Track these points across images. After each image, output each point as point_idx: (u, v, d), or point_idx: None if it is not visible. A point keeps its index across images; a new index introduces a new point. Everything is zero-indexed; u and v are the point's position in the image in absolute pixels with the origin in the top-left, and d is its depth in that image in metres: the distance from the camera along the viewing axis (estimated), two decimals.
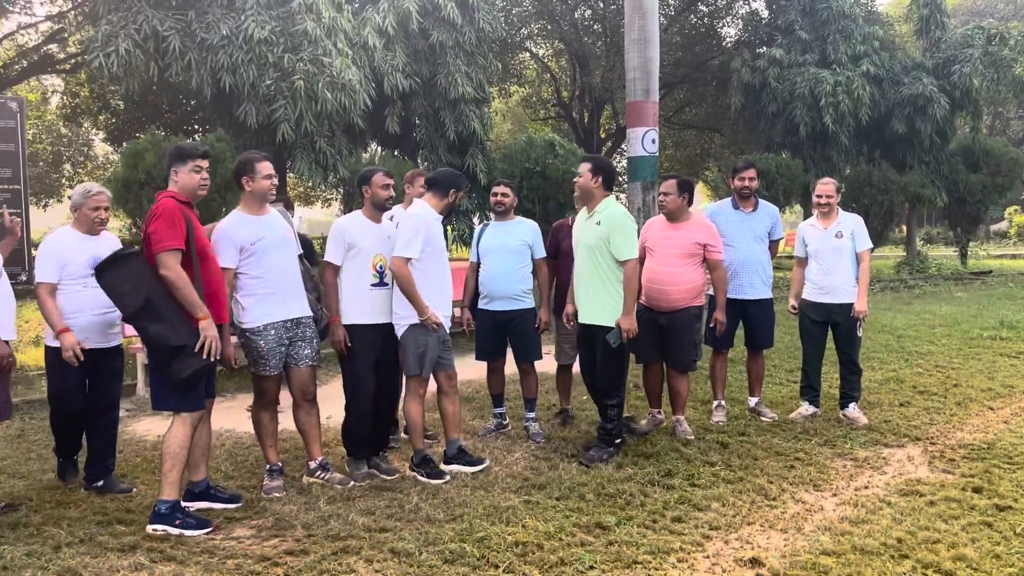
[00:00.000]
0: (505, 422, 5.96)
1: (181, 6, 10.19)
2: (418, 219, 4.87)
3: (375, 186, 4.96)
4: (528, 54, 23.83)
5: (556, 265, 5.98)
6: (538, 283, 5.88)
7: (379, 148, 13.26)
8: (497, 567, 3.68)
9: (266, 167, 4.64)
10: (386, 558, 3.79)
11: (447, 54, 12.04)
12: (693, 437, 5.66)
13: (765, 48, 17.73)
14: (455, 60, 12.05)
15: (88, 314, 4.60)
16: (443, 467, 5.02)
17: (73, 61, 17.21)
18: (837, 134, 16.89)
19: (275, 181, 4.78)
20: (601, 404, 5.29)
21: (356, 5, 11.63)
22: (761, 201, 6.26)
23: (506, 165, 12.91)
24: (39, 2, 17.40)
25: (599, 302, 5.14)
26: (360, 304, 4.93)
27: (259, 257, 4.59)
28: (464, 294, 5.96)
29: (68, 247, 4.60)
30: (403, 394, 5.18)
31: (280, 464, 4.81)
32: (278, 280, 4.67)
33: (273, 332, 4.63)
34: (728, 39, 22.58)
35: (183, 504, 4.28)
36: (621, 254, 5.04)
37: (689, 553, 3.85)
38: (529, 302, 5.72)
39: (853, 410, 6.12)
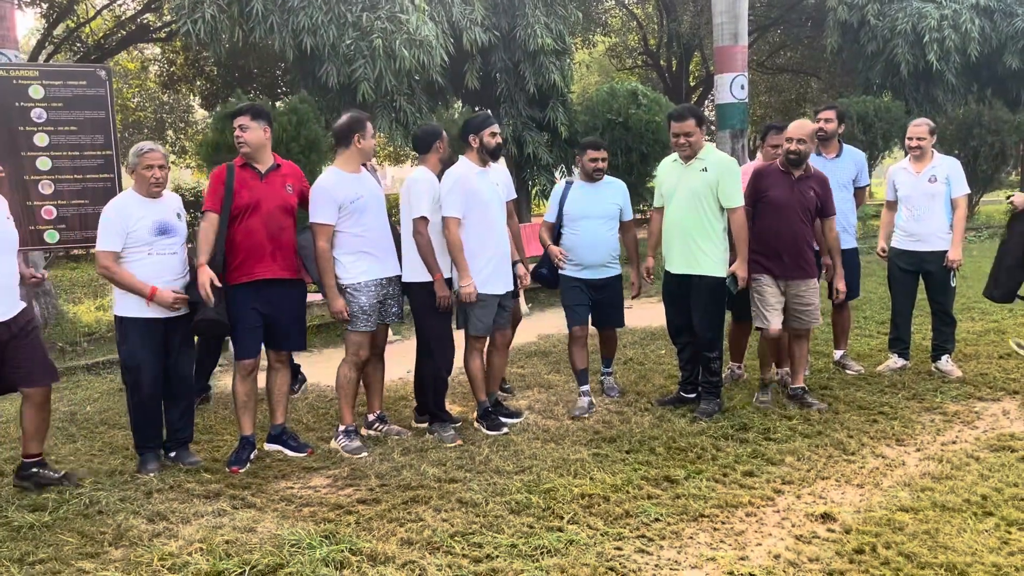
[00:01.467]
0: (594, 402, 5.43)
1: None
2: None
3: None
4: (613, 2, 23.23)
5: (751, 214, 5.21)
6: (626, 245, 5.62)
7: (460, 104, 13.21)
8: (562, 518, 3.71)
9: (371, 127, 4.78)
10: (453, 507, 3.87)
11: (526, 5, 11.86)
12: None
13: None
14: (534, 11, 11.86)
15: (156, 282, 4.37)
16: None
17: (168, 29, 17.77)
18: (942, 72, 15.86)
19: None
20: (704, 357, 5.16)
21: None
22: (846, 146, 5.92)
23: (588, 117, 12.69)
24: None
25: (707, 251, 4.99)
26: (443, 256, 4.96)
27: (359, 215, 4.69)
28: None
29: (131, 212, 4.38)
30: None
31: (355, 424, 4.92)
32: (376, 238, 4.78)
33: (372, 289, 4.75)
34: None
35: (265, 446, 4.72)
36: (732, 200, 4.94)
37: (758, 508, 3.78)
38: (618, 268, 5.47)
39: (946, 363, 5.83)
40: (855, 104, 15.30)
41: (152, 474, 4.42)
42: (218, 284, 4.38)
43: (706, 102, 24.03)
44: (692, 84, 24.40)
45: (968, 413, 5.00)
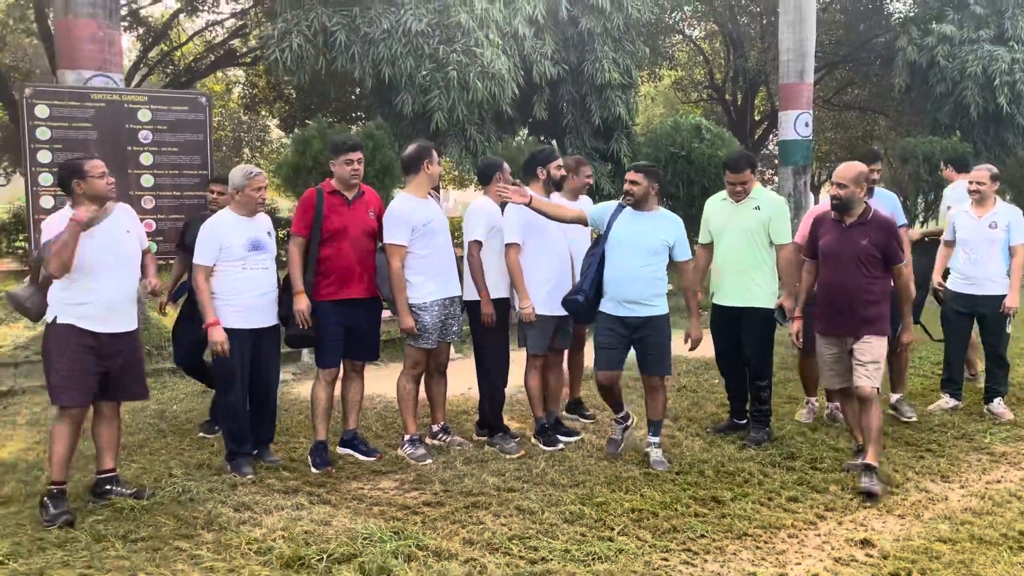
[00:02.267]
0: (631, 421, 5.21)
1: (348, 2, 10.93)
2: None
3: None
4: (680, 36, 23.50)
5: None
6: (682, 287, 5.30)
7: (527, 134, 13.61)
8: (612, 529, 3.97)
9: (436, 155, 5.18)
10: (512, 514, 4.17)
11: (595, 41, 12.22)
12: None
13: (935, 24, 16.65)
14: (602, 47, 12.21)
15: (247, 295, 4.72)
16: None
17: (253, 55, 18.68)
18: (1013, 115, 15.70)
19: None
20: (754, 386, 5.37)
21: None
22: (878, 189, 5.89)
23: (651, 149, 12.96)
24: (225, 0, 18.96)
25: (760, 285, 5.27)
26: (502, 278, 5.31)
27: (428, 238, 5.04)
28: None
29: (227, 230, 4.73)
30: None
31: (420, 434, 5.24)
32: (442, 260, 5.14)
33: (437, 309, 5.10)
34: (898, 14, 21.37)
35: (338, 449, 5.11)
36: (783, 237, 5.25)
37: (800, 530, 3.99)
38: (662, 307, 4.96)
39: (998, 405, 5.92)
40: (921, 144, 15.23)
41: (248, 476, 4.71)
42: (307, 315, 4.83)
43: (770, 137, 24.06)
44: (757, 119, 24.44)
45: (1016, 455, 5.10)
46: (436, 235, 5.10)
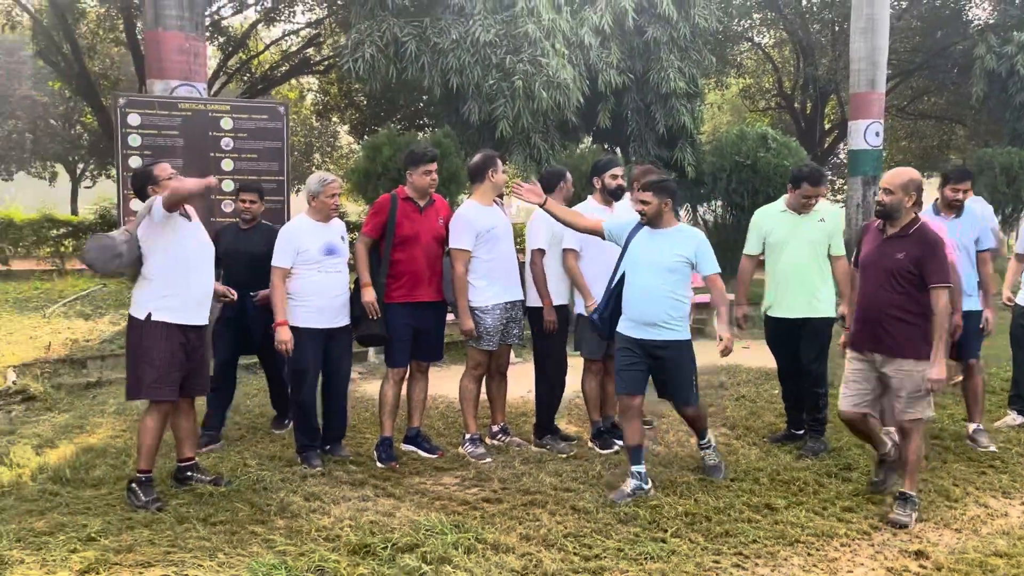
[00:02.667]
0: (647, 486, 4.61)
1: (418, 14, 11.27)
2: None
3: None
4: (749, 43, 23.32)
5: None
6: (712, 301, 4.95)
7: (591, 142, 13.74)
8: (665, 531, 4.08)
9: (501, 164, 5.38)
10: (567, 513, 4.31)
11: (660, 50, 12.31)
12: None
13: (1015, 32, 16.21)
14: (668, 56, 12.29)
15: (322, 297, 4.98)
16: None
17: (326, 63, 19.26)
18: None
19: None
20: (813, 394, 5.41)
21: (575, 5, 12.16)
22: (968, 205, 5.65)
23: (716, 158, 12.96)
24: (301, 11, 19.59)
25: (824, 296, 5.35)
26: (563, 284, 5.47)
27: (492, 244, 5.23)
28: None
29: (304, 234, 5.00)
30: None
31: (479, 433, 5.43)
32: (505, 265, 5.31)
33: (499, 312, 5.28)
34: (976, 21, 20.82)
35: (402, 446, 5.35)
36: (841, 248, 5.39)
37: (854, 540, 4.03)
38: (681, 331, 4.68)
39: None
40: (999, 155, 14.87)
41: (318, 469, 4.96)
42: (376, 306, 5.05)
43: (840, 146, 23.65)
44: (827, 127, 24.05)
45: None
46: (500, 241, 5.28)
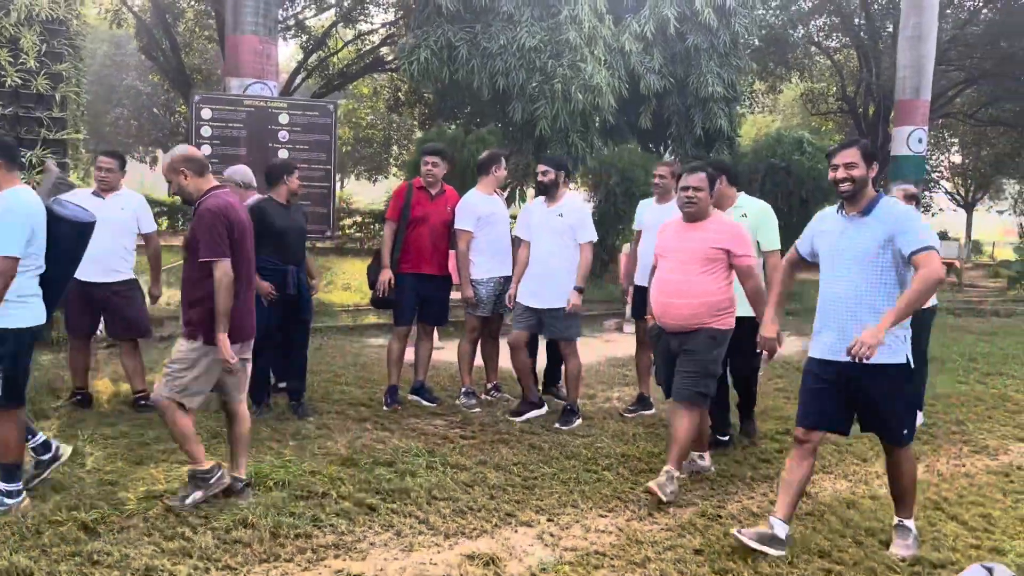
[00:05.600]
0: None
1: (471, 20, 12.24)
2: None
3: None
4: (812, 47, 23.48)
5: None
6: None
7: (635, 141, 14.48)
8: (599, 466, 4.93)
9: (504, 162, 6.34)
10: (524, 448, 5.21)
11: (701, 56, 12.96)
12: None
13: None
14: (708, 62, 12.94)
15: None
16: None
17: (397, 62, 20.48)
18: None
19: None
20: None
21: (619, 12, 12.93)
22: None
23: (751, 159, 13.54)
24: (376, 13, 20.91)
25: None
26: None
27: (490, 227, 6.19)
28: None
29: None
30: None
31: (473, 388, 6.39)
32: (499, 245, 6.25)
33: (492, 284, 6.22)
34: None
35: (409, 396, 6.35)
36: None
37: (755, 481, 4.80)
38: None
39: None
40: None
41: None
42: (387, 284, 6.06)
43: None
44: (889, 132, 24.00)
45: None
46: (496, 225, 6.22)
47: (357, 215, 23.59)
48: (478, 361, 6.51)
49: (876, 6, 21.17)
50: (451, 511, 4.17)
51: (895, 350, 3.67)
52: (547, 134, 11.87)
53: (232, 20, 10.28)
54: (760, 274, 4.83)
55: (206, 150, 8.13)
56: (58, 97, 7.27)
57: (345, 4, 20.41)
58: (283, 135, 8.32)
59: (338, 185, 8.37)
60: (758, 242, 5.21)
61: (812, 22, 21.57)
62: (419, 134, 27.85)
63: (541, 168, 5.93)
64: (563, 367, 6.11)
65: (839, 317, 3.76)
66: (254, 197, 5.82)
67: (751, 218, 5.25)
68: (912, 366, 3.77)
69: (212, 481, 4.11)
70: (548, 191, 5.91)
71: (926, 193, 20.87)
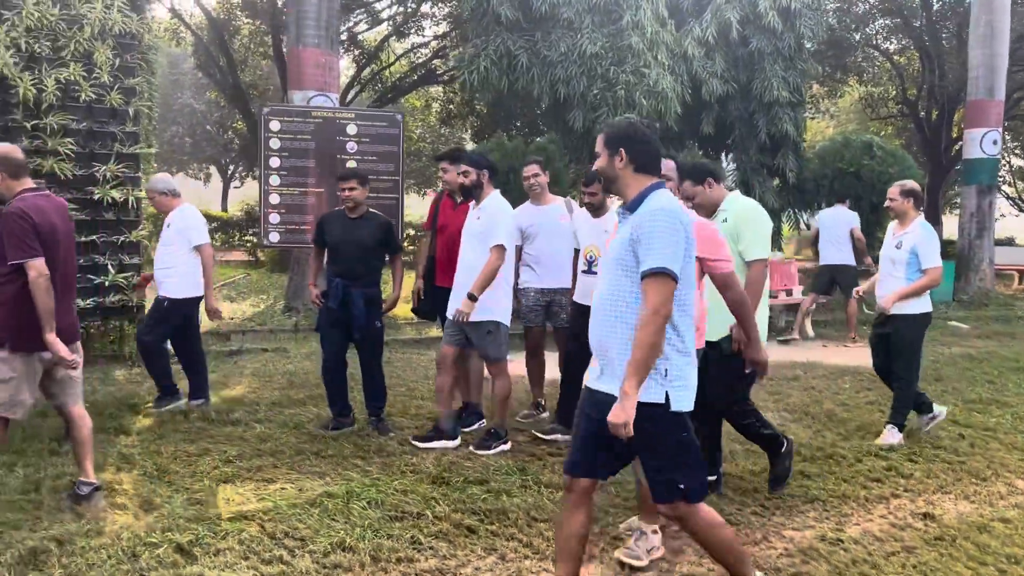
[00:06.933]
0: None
1: (530, 28, 12.08)
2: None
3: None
4: (872, 50, 22.91)
5: None
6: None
7: (696, 147, 14.16)
8: None
9: (531, 169, 6.03)
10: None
11: (764, 60, 12.62)
12: None
13: None
14: (772, 66, 12.58)
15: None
16: None
17: (450, 74, 20.44)
18: None
19: (540, 180, 6.02)
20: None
21: (680, 17, 12.67)
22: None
23: (818, 165, 13.15)
24: (428, 26, 20.94)
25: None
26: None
27: (532, 238, 6.01)
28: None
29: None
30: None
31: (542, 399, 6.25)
32: (541, 256, 5.98)
33: (533, 294, 6.03)
34: None
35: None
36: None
37: (870, 502, 4.51)
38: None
39: None
40: None
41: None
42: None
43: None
44: (953, 136, 23.29)
45: None
46: (539, 236, 5.98)
47: (410, 228, 23.58)
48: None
49: (938, 5, 20.58)
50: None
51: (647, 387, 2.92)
52: None
53: (295, 33, 10.28)
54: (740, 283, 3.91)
55: (275, 162, 8.08)
56: (131, 111, 7.26)
57: (398, 18, 20.46)
58: (351, 146, 8.23)
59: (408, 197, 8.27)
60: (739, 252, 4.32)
61: (871, 24, 21.02)
62: (471, 146, 27.89)
63: (461, 168, 5.39)
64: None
65: None
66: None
67: (731, 222, 4.37)
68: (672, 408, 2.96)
69: None
70: (470, 193, 5.38)
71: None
